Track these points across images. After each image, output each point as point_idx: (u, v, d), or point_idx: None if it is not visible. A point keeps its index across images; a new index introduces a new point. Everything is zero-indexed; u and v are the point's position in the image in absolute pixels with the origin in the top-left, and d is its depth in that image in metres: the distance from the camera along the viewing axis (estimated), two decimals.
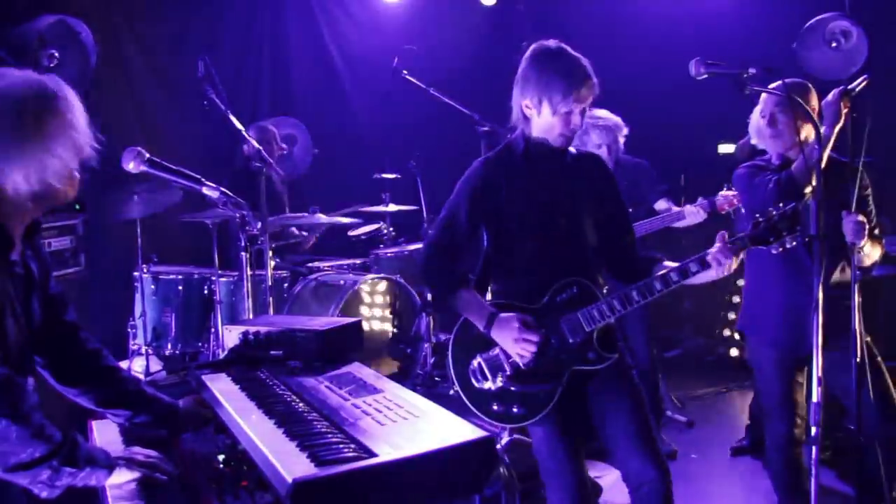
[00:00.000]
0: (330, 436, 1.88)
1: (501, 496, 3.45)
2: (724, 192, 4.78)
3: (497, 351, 2.89)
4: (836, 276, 3.42)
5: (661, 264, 2.94)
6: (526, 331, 2.80)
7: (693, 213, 4.85)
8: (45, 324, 2.31)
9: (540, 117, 2.88)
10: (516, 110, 2.95)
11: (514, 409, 2.87)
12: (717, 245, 2.78)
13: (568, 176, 2.98)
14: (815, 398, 2.55)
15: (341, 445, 1.80)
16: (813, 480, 2.51)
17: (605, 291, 2.94)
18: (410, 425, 1.94)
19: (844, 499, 3.79)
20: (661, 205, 5.08)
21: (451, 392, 3.22)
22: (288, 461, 1.73)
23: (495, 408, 2.89)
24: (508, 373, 2.86)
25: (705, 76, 2.68)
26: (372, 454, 1.74)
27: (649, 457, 2.88)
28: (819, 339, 2.55)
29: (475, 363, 2.91)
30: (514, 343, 2.80)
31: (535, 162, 2.97)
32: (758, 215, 2.78)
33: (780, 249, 2.77)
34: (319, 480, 1.63)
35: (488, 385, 2.88)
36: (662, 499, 2.88)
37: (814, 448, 2.52)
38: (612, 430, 2.95)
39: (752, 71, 2.60)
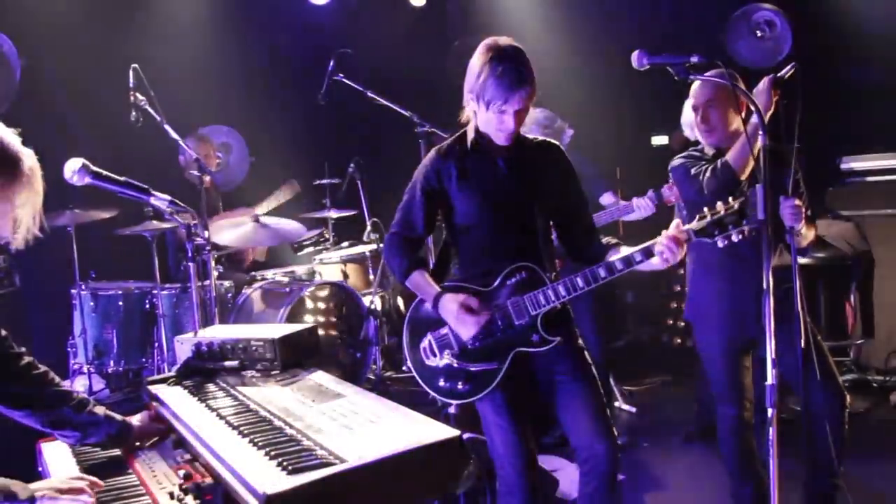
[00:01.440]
0: (297, 444, 1.86)
1: (460, 497, 3.45)
2: (669, 185, 4.76)
3: (446, 330, 3.01)
4: (774, 260, 3.49)
5: (615, 249, 2.99)
6: (465, 311, 2.88)
7: (643, 206, 4.88)
8: None
9: (479, 112, 2.95)
10: (465, 100, 3.01)
11: (460, 386, 2.98)
12: (666, 235, 2.82)
13: (520, 165, 3.04)
14: (769, 380, 2.58)
15: (310, 453, 1.77)
16: (772, 462, 2.54)
17: (553, 277, 2.98)
18: (378, 428, 1.93)
19: (793, 477, 3.86)
20: (606, 199, 5.12)
21: (404, 368, 3.31)
22: (257, 471, 1.70)
23: (442, 384, 3.02)
24: (455, 350, 2.99)
25: (648, 67, 2.70)
26: (342, 459, 1.72)
27: (601, 431, 2.96)
28: (771, 322, 2.59)
29: (426, 341, 3.06)
30: (456, 321, 2.91)
31: (486, 151, 3.03)
32: (705, 209, 2.83)
33: (726, 242, 2.82)
34: (292, 490, 1.60)
35: (436, 362, 3.03)
36: (605, 479, 2.97)
37: (771, 430, 2.56)
38: (562, 404, 3.02)
39: (694, 59, 2.62)
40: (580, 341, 3.12)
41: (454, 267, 3.16)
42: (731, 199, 2.87)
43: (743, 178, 3.32)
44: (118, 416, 2.47)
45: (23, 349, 2.38)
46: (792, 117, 3.04)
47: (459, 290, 3.00)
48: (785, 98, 3.21)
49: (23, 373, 2.35)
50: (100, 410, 2.46)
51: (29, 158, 2.06)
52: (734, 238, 2.81)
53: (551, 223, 3.16)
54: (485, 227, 3.02)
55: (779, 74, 3.23)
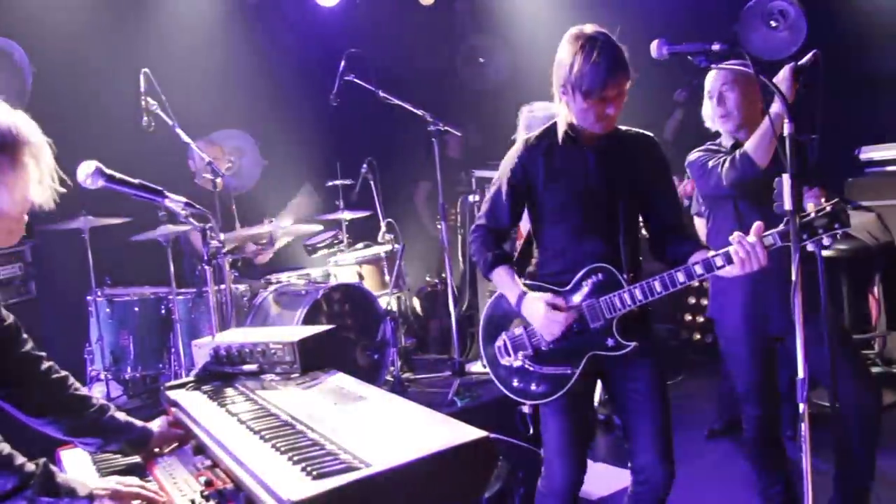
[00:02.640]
0: (320, 448, 1.81)
1: (483, 501, 3.40)
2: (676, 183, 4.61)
3: (521, 331, 2.98)
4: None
5: (701, 252, 2.82)
6: (553, 312, 2.83)
7: None
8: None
9: (574, 104, 2.83)
10: (555, 93, 2.91)
11: (533, 387, 2.96)
12: (743, 239, 2.65)
13: (611, 160, 2.93)
14: (800, 374, 2.52)
15: (334, 457, 1.73)
16: (805, 458, 2.49)
17: (631, 278, 2.89)
18: (403, 431, 1.88)
19: (820, 474, 3.81)
20: None
21: (482, 366, 3.30)
22: (280, 477, 1.66)
23: (516, 384, 3.00)
24: (529, 352, 2.95)
25: (668, 56, 2.64)
26: (367, 464, 1.67)
27: (664, 458, 2.95)
28: (800, 316, 2.52)
29: (500, 341, 3.03)
30: (543, 320, 2.85)
31: (576, 146, 2.94)
32: None
33: (817, 249, 2.68)
34: (317, 496, 1.56)
35: (510, 362, 3.00)
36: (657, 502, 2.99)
37: (803, 425, 2.50)
38: (632, 419, 2.99)
39: (715, 47, 2.56)
40: (656, 348, 3.05)
41: (533, 263, 3.09)
42: (822, 200, 2.77)
43: (763, 167, 3.25)
44: (138, 422, 2.44)
45: (42, 353, 2.35)
46: (813, 106, 2.98)
47: (535, 290, 2.94)
48: (805, 86, 3.15)
49: (43, 378, 2.32)
50: (120, 416, 2.43)
51: (28, 131, 2.13)
52: (826, 242, 2.66)
53: (640, 220, 3.07)
54: (567, 224, 2.95)
55: (800, 62, 3.17)
